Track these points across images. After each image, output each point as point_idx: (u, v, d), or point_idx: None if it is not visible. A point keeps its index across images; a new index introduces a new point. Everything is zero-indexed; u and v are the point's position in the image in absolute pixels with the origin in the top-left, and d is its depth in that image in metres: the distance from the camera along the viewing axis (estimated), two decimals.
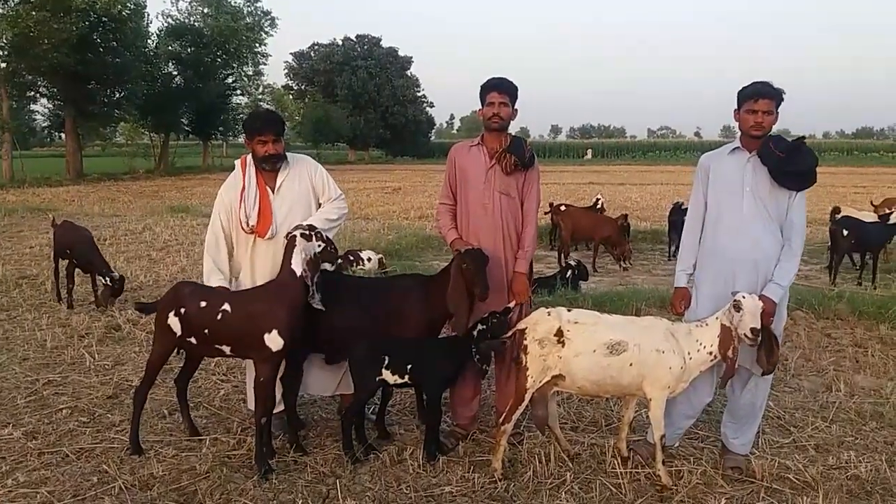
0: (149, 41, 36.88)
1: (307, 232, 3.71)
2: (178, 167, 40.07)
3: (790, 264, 3.72)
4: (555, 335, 3.62)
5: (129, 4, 31.25)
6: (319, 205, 4.19)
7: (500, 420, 3.79)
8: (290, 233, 3.74)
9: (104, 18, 29.83)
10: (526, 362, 3.66)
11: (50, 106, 35.16)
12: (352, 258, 8.79)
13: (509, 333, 3.81)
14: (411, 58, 65.06)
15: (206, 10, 40.64)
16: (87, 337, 6.32)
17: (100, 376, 5.33)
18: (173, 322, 3.83)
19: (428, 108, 68.29)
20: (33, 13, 26.51)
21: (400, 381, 3.89)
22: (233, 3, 41.43)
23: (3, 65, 28.43)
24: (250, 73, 44.60)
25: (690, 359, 3.62)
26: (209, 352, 3.96)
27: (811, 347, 5.93)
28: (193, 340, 3.83)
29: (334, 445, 4.12)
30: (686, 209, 10.91)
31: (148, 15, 35.33)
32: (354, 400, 3.95)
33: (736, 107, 3.79)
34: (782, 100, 3.71)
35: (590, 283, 8.49)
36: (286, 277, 3.68)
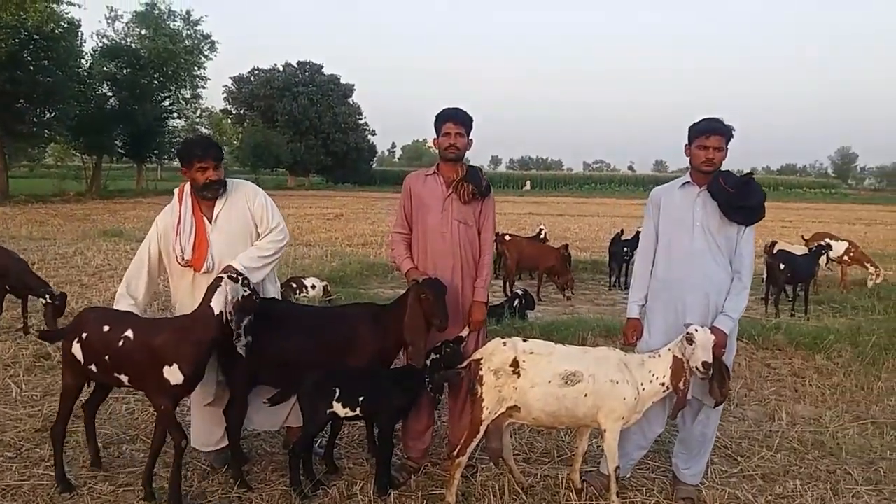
0: (82, 61, 35.66)
1: (235, 276, 3.57)
2: (111, 190, 38.75)
3: (740, 297, 3.80)
4: (510, 366, 3.59)
5: (62, 23, 30.31)
6: (258, 233, 4.00)
7: (455, 452, 3.72)
8: (219, 275, 3.59)
9: (35, 36, 28.81)
10: (481, 393, 3.61)
11: None
12: (294, 285, 8.61)
13: (464, 364, 3.76)
14: (353, 85, 65.12)
15: (143, 32, 39.73)
16: (14, 366, 5.95)
17: (27, 408, 5.02)
18: (76, 349, 3.64)
19: (370, 136, 68.29)
20: None
21: (351, 413, 3.78)
22: (172, 26, 40.69)
23: None
24: (188, 96, 43.72)
25: (643, 389, 3.63)
26: (110, 381, 3.73)
27: (752, 377, 6.08)
28: (94, 368, 3.62)
29: (281, 481, 3.97)
30: (625, 240, 11.29)
31: (82, 34, 34.20)
32: (303, 434, 3.81)
33: (687, 142, 3.87)
34: (732, 136, 3.80)
35: (536, 311, 8.53)
36: (201, 313, 3.51)
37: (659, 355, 3.69)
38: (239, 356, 3.75)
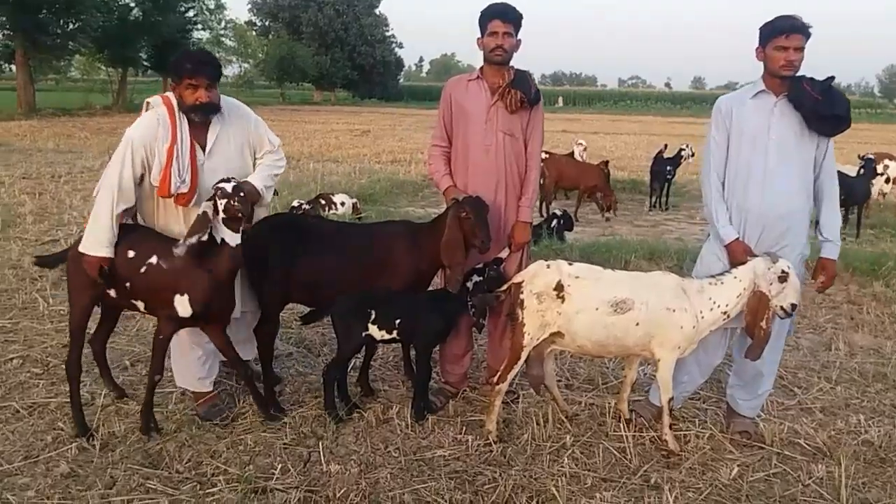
0: None
1: (212, 194, 3.15)
2: (137, 103, 38.41)
3: (835, 216, 3.49)
4: (554, 290, 3.31)
5: None
6: (254, 161, 3.59)
7: (495, 379, 3.51)
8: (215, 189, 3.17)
9: None
10: (522, 318, 3.35)
11: None
12: (323, 202, 8.38)
13: (504, 287, 3.48)
14: None
15: None
16: (41, 280, 5.84)
17: (54, 323, 4.91)
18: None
19: (397, 49, 66.57)
20: None
21: (388, 336, 3.57)
22: None
23: None
24: (212, 6, 42.78)
25: (702, 318, 3.34)
26: (125, 306, 3.50)
27: (806, 304, 5.76)
28: (113, 293, 3.36)
29: (314, 403, 3.81)
30: (667, 158, 10.77)
31: None
32: (338, 355, 3.62)
33: (759, 44, 3.43)
34: (810, 36, 3.36)
35: (573, 233, 8.21)
36: (211, 242, 3.19)
37: (721, 282, 3.37)
38: (270, 272, 3.55)
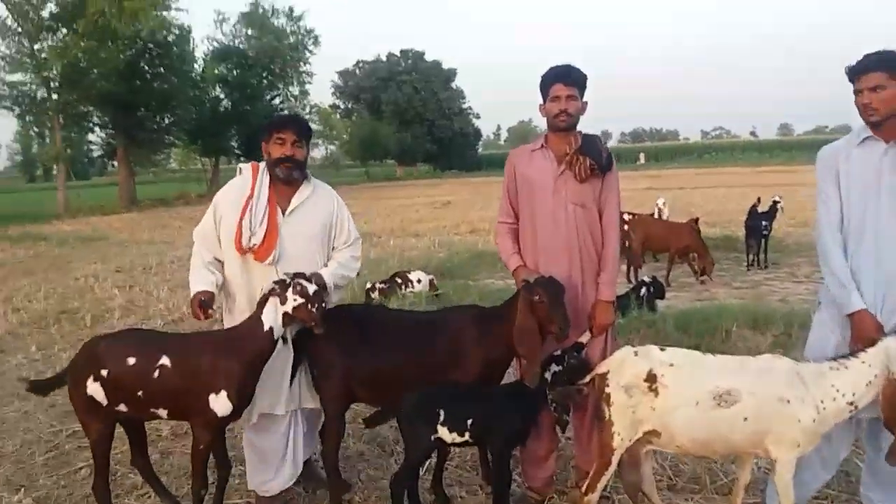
0: (195, 65, 37.32)
1: (284, 280, 3.06)
2: None
3: None
4: (645, 381, 2.86)
5: (173, 30, 31.61)
6: (332, 244, 3.53)
7: (583, 489, 3.05)
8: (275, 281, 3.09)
9: (150, 45, 30.22)
10: (610, 416, 2.91)
11: (103, 135, 35.77)
12: (399, 280, 8.18)
13: (587, 379, 3.06)
14: (455, 70, 64.82)
15: (250, 32, 41.03)
16: None
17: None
18: (94, 390, 3.06)
19: (474, 120, 67.85)
20: (81, 43, 26.90)
21: (459, 439, 3.20)
22: (276, 24, 41.73)
23: (56, 96, 28.89)
24: (296, 93, 44.86)
25: (824, 409, 2.80)
26: (145, 416, 3.26)
27: None
28: (124, 408, 3.10)
29: None
30: (762, 213, 10.07)
31: (193, 39, 35.77)
32: (406, 462, 3.26)
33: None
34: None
35: (665, 300, 7.63)
36: (250, 327, 3.04)
37: (846, 366, 2.82)
38: (331, 370, 3.29)
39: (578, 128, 3.43)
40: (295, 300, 3.00)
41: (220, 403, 2.98)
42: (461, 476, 3.88)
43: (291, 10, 42.43)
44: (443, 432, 3.17)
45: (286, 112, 44.53)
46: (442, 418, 3.16)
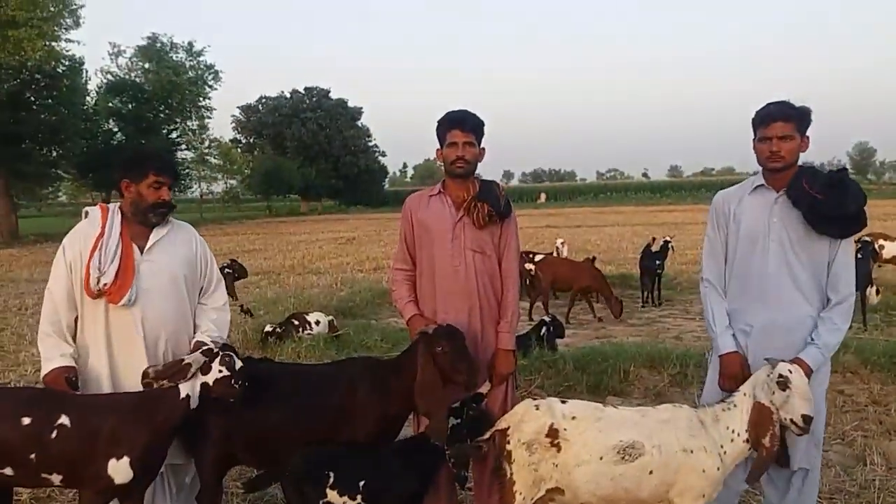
0: (87, 98, 35.70)
1: (211, 349, 2.87)
2: None
3: (835, 326, 2.99)
4: (547, 436, 2.75)
5: (63, 61, 30.12)
6: (199, 286, 3.31)
7: None
8: (201, 349, 2.89)
9: (37, 76, 28.64)
10: (511, 474, 2.77)
11: None
12: (297, 322, 7.83)
13: (487, 435, 2.92)
14: (361, 108, 64.96)
15: (147, 66, 39.76)
16: None
17: None
18: None
19: (380, 157, 67.95)
20: None
21: (350, 502, 2.96)
22: (174, 58, 40.63)
23: None
24: (195, 127, 43.66)
25: (726, 453, 2.80)
26: (33, 484, 2.93)
27: (829, 409, 5.20)
28: (9, 472, 2.73)
29: None
30: (655, 252, 10.40)
31: (86, 71, 34.21)
32: None
33: (753, 136, 3.08)
34: (809, 120, 3.00)
35: (564, 339, 7.65)
36: (165, 392, 2.79)
37: (733, 404, 2.87)
38: (209, 431, 3.01)
39: (478, 171, 3.36)
40: (220, 371, 2.81)
41: (119, 470, 2.68)
42: None
43: (191, 45, 41.53)
44: (332, 496, 2.93)
45: (183, 145, 43.24)
46: (332, 481, 2.93)
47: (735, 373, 3.05)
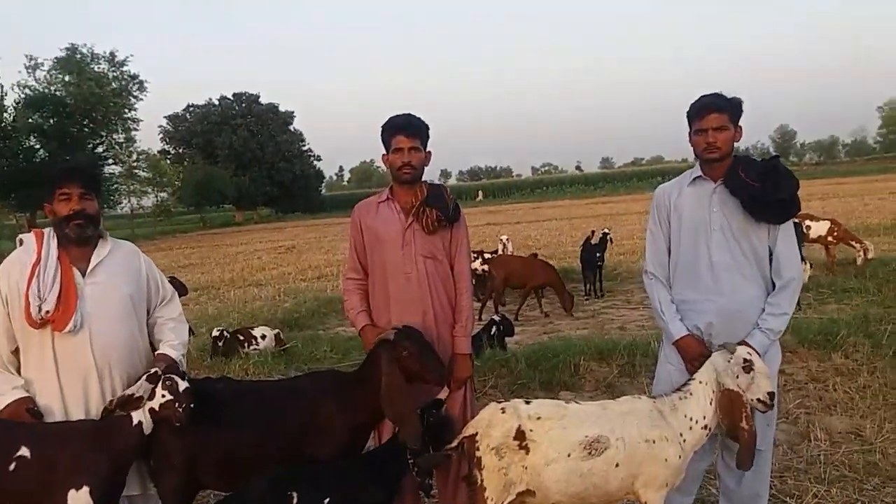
0: (5, 115, 34.13)
1: (156, 373, 2.79)
2: None
3: (781, 309, 3.09)
4: (515, 439, 2.76)
5: None
6: (149, 304, 3.19)
7: None
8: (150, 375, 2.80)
9: None
10: (482, 480, 2.76)
11: None
12: (242, 338, 7.65)
13: (455, 443, 2.91)
14: (293, 112, 64.10)
15: (67, 78, 38.20)
16: None
17: None
18: None
19: (315, 162, 67.22)
20: None
21: None
22: (96, 69, 39.19)
23: None
24: (122, 140, 42.19)
25: (685, 441, 2.86)
26: None
27: None
28: None
29: None
30: (594, 244, 10.58)
31: (1, 87, 32.77)
32: None
33: (689, 129, 3.17)
34: (741, 111, 3.11)
35: (514, 336, 7.71)
36: (119, 420, 2.73)
37: (690, 393, 2.93)
38: (171, 458, 2.91)
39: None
40: (163, 396, 2.72)
41: (79, 501, 2.59)
42: None
43: (113, 55, 40.20)
44: None
45: (109, 159, 41.74)
46: (296, 501, 2.87)
47: (696, 353, 3.09)
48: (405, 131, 3.25)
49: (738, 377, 2.83)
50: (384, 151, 3.33)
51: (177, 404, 2.72)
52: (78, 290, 2.90)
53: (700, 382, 2.92)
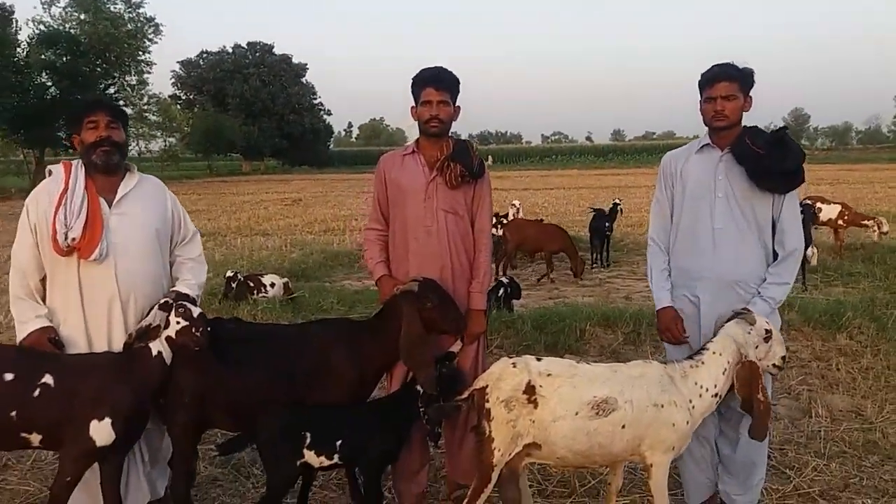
0: (18, 49, 33.78)
1: (168, 302, 2.86)
2: None
3: (783, 278, 3.14)
4: (524, 393, 2.80)
5: None
6: (172, 239, 3.25)
7: None
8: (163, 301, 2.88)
9: None
10: (490, 431, 2.81)
11: None
12: (252, 284, 7.72)
13: (465, 395, 2.95)
14: (306, 65, 63.51)
15: (82, 17, 37.65)
16: None
17: None
18: None
19: (325, 116, 66.77)
20: None
21: (328, 462, 2.98)
22: (112, 10, 38.64)
23: None
24: (134, 82, 41.72)
25: (694, 408, 2.90)
26: (9, 443, 2.82)
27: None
28: None
29: None
30: (605, 214, 10.57)
31: (16, 21, 32.35)
32: (269, 493, 2.98)
33: (699, 97, 3.19)
34: (752, 81, 3.13)
35: (520, 300, 7.76)
36: (139, 352, 2.80)
37: (702, 362, 2.96)
38: (182, 395, 2.96)
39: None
40: (178, 323, 2.79)
41: (101, 432, 2.66)
42: (326, 497, 3.65)
43: None
44: (309, 456, 2.94)
45: (121, 101, 41.41)
46: (308, 441, 2.93)
47: (668, 325, 3.26)
48: (435, 84, 3.24)
49: (757, 347, 2.87)
50: (413, 104, 3.33)
51: (193, 329, 2.78)
52: (104, 220, 2.95)
53: (714, 353, 2.95)
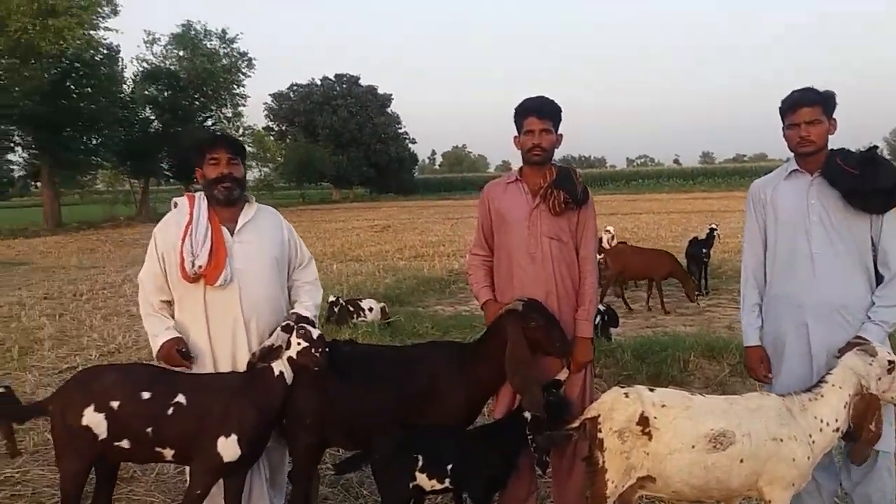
0: (124, 86, 36.21)
1: (289, 324, 3.01)
2: (161, 213, 38.89)
3: (894, 297, 3.00)
4: (638, 424, 2.76)
5: (101, 49, 30.58)
6: (289, 265, 3.42)
7: None
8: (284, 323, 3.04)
9: (76, 64, 29.10)
10: (603, 462, 2.79)
11: (25, 155, 34.14)
12: (351, 308, 7.94)
13: (576, 423, 2.94)
14: (391, 95, 64.92)
15: (181, 53, 40.10)
16: None
17: None
18: (94, 421, 2.82)
19: (410, 145, 68.02)
20: (2, 60, 25.69)
21: (439, 486, 3.03)
22: (209, 46, 40.94)
23: None
24: (230, 114, 43.90)
25: (814, 442, 2.80)
26: (145, 458, 3.04)
27: None
28: (126, 444, 2.87)
29: None
30: (700, 240, 10.26)
31: (122, 59, 34.72)
32: None
33: (782, 124, 3.15)
34: (834, 104, 3.05)
35: (617, 329, 7.63)
36: (262, 372, 2.94)
37: (821, 395, 2.85)
38: (305, 416, 3.09)
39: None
40: (299, 344, 2.93)
41: (228, 448, 2.83)
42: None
43: (224, 32, 41.76)
44: (421, 479, 2.99)
45: (218, 132, 43.56)
46: (421, 464, 2.99)
47: (753, 366, 3.29)
48: (537, 113, 3.30)
49: (880, 379, 2.75)
50: (516, 134, 3.39)
51: (313, 350, 2.90)
52: (227, 248, 3.14)
53: (833, 386, 2.84)
